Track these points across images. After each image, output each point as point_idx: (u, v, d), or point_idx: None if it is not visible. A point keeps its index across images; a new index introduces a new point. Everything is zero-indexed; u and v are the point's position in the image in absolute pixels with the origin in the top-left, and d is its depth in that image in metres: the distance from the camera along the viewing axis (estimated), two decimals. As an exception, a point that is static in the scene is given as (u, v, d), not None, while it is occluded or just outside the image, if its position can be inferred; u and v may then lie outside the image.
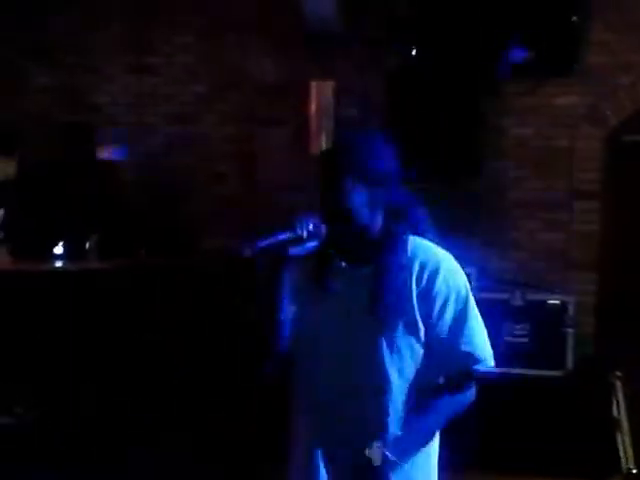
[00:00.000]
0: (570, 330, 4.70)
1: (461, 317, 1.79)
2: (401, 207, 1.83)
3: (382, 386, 1.75)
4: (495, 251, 5.16)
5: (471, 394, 1.88)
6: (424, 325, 1.76)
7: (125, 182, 5.46)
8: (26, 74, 5.67)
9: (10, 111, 5.54)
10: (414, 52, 5.01)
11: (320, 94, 5.37)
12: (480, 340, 1.83)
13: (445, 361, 1.79)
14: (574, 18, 4.87)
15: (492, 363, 1.87)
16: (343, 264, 1.79)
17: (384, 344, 1.74)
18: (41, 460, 4.26)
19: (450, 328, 1.78)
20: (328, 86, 5.37)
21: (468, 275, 5.12)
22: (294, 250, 1.74)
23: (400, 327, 1.75)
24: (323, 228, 1.77)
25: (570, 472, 4.11)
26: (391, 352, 1.75)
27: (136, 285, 4.87)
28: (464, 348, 1.79)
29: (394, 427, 1.77)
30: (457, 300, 1.79)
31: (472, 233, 5.14)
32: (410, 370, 1.78)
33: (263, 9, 5.46)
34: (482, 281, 4.78)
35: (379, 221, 1.80)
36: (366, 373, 1.76)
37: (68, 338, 4.67)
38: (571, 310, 4.73)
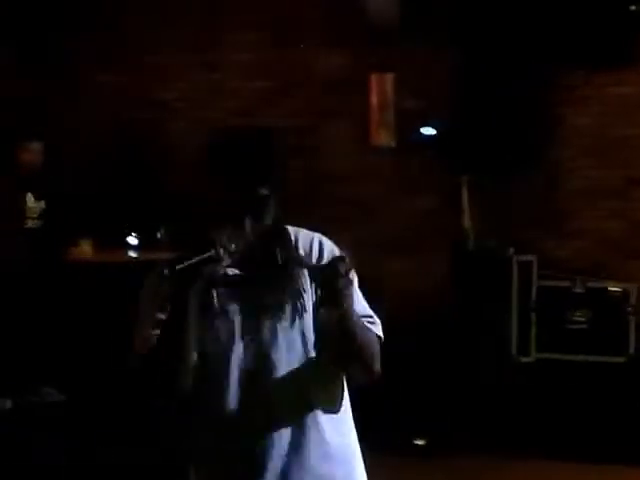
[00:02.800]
0: (632, 317, 4.77)
1: (356, 289, 1.75)
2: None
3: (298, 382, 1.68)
4: (555, 240, 5.24)
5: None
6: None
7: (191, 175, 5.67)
8: (94, 72, 5.90)
9: (80, 109, 5.81)
10: (473, 44, 5.08)
11: (380, 87, 5.48)
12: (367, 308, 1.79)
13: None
14: (632, 7, 4.89)
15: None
16: (225, 271, 1.67)
17: (299, 349, 1.68)
18: (69, 440, 4.36)
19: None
20: (388, 79, 5.48)
21: (530, 262, 5.24)
22: (209, 269, 1.59)
23: (305, 317, 1.68)
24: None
25: (633, 459, 4.14)
26: (306, 349, 1.69)
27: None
28: (375, 318, 1.78)
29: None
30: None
31: (532, 223, 5.23)
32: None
33: (324, 4, 5.61)
34: (543, 269, 4.88)
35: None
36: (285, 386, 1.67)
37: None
38: (633, 298, 4.79)
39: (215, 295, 1.64)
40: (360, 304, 1.76)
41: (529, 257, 4.91)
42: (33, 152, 5.12)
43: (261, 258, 1.66)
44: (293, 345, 1.67)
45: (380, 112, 5.44)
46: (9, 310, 4.89)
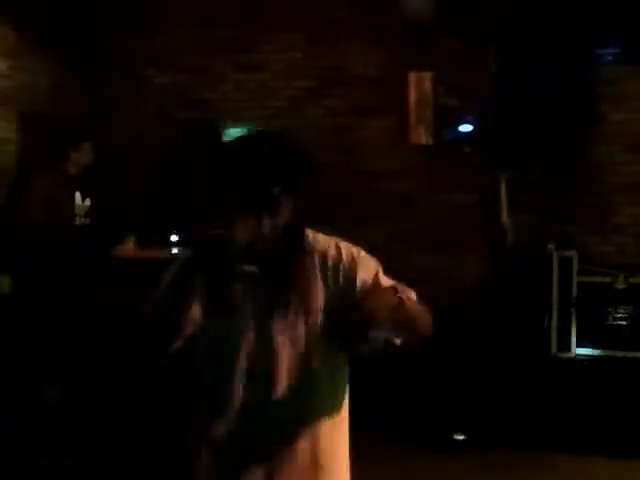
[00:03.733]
0: (674, 313, 4.73)
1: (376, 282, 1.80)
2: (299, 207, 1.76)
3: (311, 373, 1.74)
4: (597, 235, 5.21)
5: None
6: (340, 305, 1.73)
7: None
8: (147, 75, 6.08)
9: (134, 110, 5.98)
10: (512, 41, 5.07)
11: (419, 85, 5.51)
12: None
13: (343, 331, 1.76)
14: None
15: None
16: (243, 267, 1.72)
17: (307, 339, 1.73)
18: (113, 434, 4.43)
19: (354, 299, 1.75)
20: (426, 77, 5.50)
21: (570, 258, 5.22)
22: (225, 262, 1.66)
23: (316, 324, 1.74)
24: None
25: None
26: (316, 345, 1.74)
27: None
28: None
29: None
30: (367, 271, 1.81)
31: (574, 218, 5.21)
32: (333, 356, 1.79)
33: (363, 3, 5.66)
34: (584, 265, 4.87)
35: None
36: (294, 369, 1.72)
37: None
38: (675, 294, 4.75)
39: (233, 290, 1.71)
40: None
41: (570, 253, 4.90)
42: (84, 152, 5.27)
43: (276, 257, 1.72)
44: (299, 342, 1.72)
45: (418, 110, 5.47)
46: (56, 306, 5.05)
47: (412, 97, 5.49)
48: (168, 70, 6.05)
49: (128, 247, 5.27)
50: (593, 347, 4.73)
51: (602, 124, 5.20)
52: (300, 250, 1.74)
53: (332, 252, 1.77)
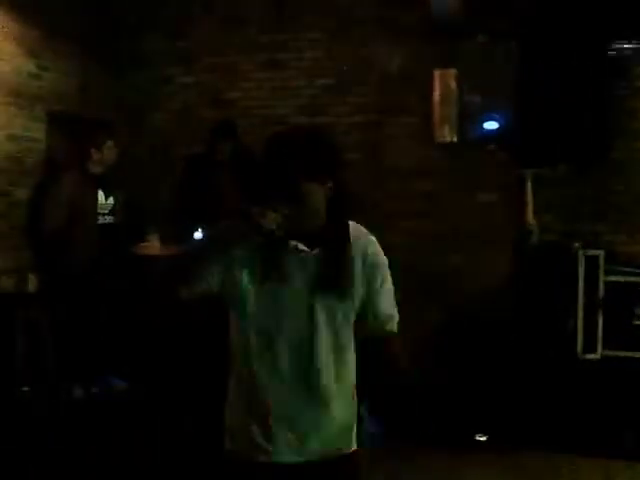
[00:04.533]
0: (703, 314, 4.64)
1: (389, 290, 2.04)
2: (338, 194, 1.95)
3: (339, 350, 1.98)
4: (624, 234, 5.14)
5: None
6: (364, 295, 1.99)
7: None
8: (172, 75, 6.12)
9: (160, 109, 6.01)
10: (538, 38, 5.01)
11: (443, 82, 5.46)
12: (395, 307, 2.07)
13: (377, 326, 2.03)
14: None
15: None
16: (297, 246, 1.93)
17: (341, 315, 1.97)
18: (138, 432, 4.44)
19: (388, 303, 2.03)
20: (451, 74, 5.45)
21: (596, 257, 5.14)
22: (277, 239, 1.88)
23: (351, 299, 1.98)
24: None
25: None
26: (345, 320, 1.98)
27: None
28: (395, 314, 2.04)
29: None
30: (388, 276, 2.03)
31: (601, 217, 5.14)
32: (349, 340, 2.02)
33: (386, 2, 5.64)
34: (611, 265, 4.79)
35: (324, 207, 1.94)
36: (326, 345, 1.96)
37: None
38: None
39: (286, 260, 1.93)
40: (386, 301, 2.03)
41: (596, 252, 4.82)
42: (107, 150, 5.31)
43: (324, 241, 1.95)
44: (336, 318, 1.97)
45: (443, 107, 5.42)
46: (81, 302, 5.10)
47: (436, 95, 5.44)
48: (193, 70, 6.08)
49: (152, 245, 5.29)
50: (619, 348, 4.65)
51: (630, 120, 5.13)
52: (345, 236, 1.96)
53: (368, 244, 2.01)
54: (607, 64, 4.96)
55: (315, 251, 1.94)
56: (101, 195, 5.35)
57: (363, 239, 2.01)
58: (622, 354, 4.65)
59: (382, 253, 2.03)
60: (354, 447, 2.02)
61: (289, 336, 1.93)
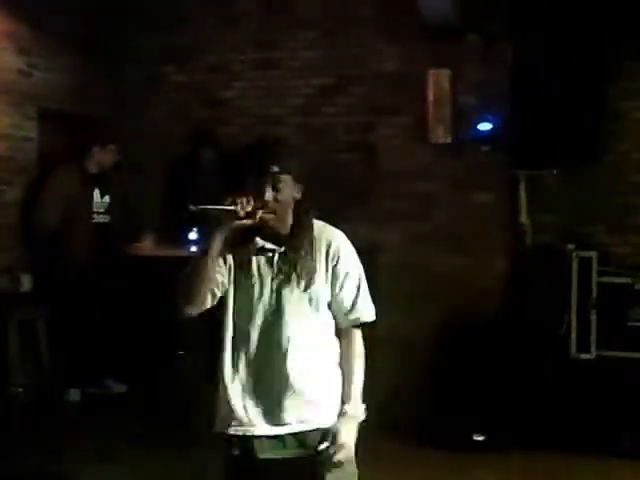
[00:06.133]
0: (696, 315, 4.67)
1: (357, 284, 2.29)
2: (303, 197, 2.24)
3: (306, 339, 2.22)
4: (617, 236, 5.16)
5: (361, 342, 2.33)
6: (330, 287, 2.25)
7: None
8: (165, 73, 6.10)
9: (152, 107, 6.00)
10: (531, 39, 5.03)
11: (437, 83, 5.47)
12: (368, 300, 2.32)
13: (343, 316, 2.29)
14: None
15: (374, 317, 2.33)
16: (264, 245, 2.22)
17: (307, 308, 2.22)
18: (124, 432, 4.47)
19: (349, 292, 2.27)
20: (445, 75, 5.46)
21: (590, 259, 5.15)
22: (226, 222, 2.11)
23: (315, 287, 2.22)
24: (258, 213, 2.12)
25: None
26: (314, 310, 2.23)
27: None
28: (360, 306, 2.29)
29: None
30: (354, 272, 2.28)
31: (595, 218, 5.16)
32: (320, 325, 2.28)
33: (381, 2, 5.64)
34: (604, 266, 4.82)
35: (291, 206, 2.23)
36: (293, 330, 2.20)
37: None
38: (697, 295, 4.68)
39: (256, 261, 2.21)
40: (350, 292, 2.27)
41: (590, 253, 4.85)
42: (108, 153, 5.30)
43: (290, 239, 2.21)
44: (304, 306, 2.22)
45: (437, 108, 5.43)
46: (75, 302, 5.08)
47: (431, 95, 5.46)
48: (187, 68, 6.06)
49: (146, 245, 5.28)
50: (613, 349, 4.68)
51: (623, 122, 5.15)
52: (309, 234, 2.22)
53: (332, 239, 2.26)
54: (601, 66, 4.98)
55: (281, 249, 2.19)
56: (97, 193, 5.34)
57: (327, 235, 2.25)
58: (615, 354, 4.67)
59: (348, 246, 2.28)
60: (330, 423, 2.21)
61: (262, 328, 2.19)
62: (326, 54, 5.76)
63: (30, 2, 5.34)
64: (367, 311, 2.30)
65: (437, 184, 5.51)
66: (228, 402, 2.23)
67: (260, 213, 2.10)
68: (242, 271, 2.20)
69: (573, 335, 4.73)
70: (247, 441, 2.22)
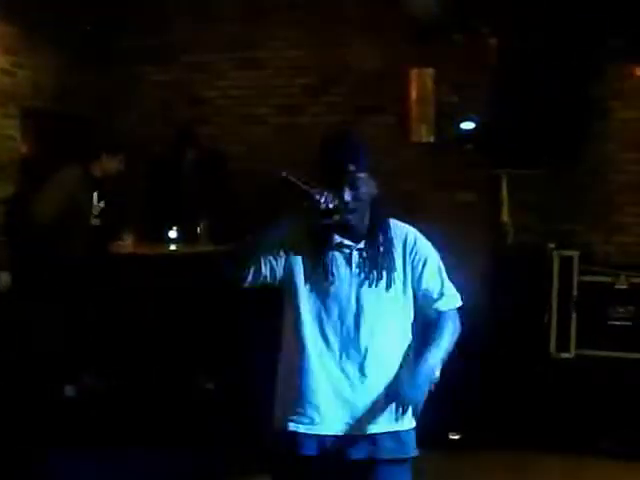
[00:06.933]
0: (677, 314, 4.66)
1: (438, 270, 2.27)
2: (378, 195, 2.24)
3: (386, 339, 2.18)
4: (599, 235, 5.16)
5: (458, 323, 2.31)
6: (412, 281, 2.23)
7: (234, 171, 5.76)
8: (147, 72, 6.09)
9: (134, 106, 5.99)
10: (514, 38, 5.03)
11: (420, 82, 5.47)
12: (451, 285, 2.30)
13: (431, 307, 2.26)
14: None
15: (461, 302, 2.32)
16: (342, 242, 2.17)
17: (387, 306, 2.18)
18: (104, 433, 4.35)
19: (433, 282, 2.25)
20: (428, 74, 5.46)
21: (571, 258, 5.14)
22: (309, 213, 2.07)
23: (395, 285, 2.19)
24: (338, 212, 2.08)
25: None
26: (393, 306, 2.19)
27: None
28: (446, 292, 2.27)
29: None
30: (433, 259, 2.27)
31: (575, 217, 5.17)
32: (401, 325, 2.24)
33: (364, 1, 5.64)
34: (586, 265, 4.82)
35: (368, 204, 2.20)
36: (372, 330, 2.16)
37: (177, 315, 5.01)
38: (677, 294, 4.68)
39: (333, 258, 2.16)
40: (431, 281, 2.24)
41: (571, 252, 4.85)
42: (115, 161, 5.27)
43: (368, 236, 2.18)
44: (383, 305, 2.17)
45: (420, 107, 5.43)
46: (61, 301, 5.07)
47: (413, 94, 5.46)
48: (169, 67, 6.05)
49: (126, 243, 5.27)
50: (593, 347, 4.68)
51: (605, 122, 5.15)
52: (386, 230, 2.20)
53: (408, 234, 2.24)
54: (585, 65, 4.99)
55: (359, 245, 2.16)
56: (95, 197, 5.33)
57: (401, 230, 2.24)
58: (595, 353, 4.67)
59: (423, 238, 2.27)
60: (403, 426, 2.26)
61: (338, 325, 2.14)
62: (309, 53, 5.76)
63: (15, 3, 5.33)
64: (455, 297, 2.28)
65: (419, 183, 5.51)
66: (303, 401, 2.16)
67: (339, 215, 2.07)
68: (317, 269, 2.14)
69: (553, 334, 4.74)
70: (322, 441, 2.15)
